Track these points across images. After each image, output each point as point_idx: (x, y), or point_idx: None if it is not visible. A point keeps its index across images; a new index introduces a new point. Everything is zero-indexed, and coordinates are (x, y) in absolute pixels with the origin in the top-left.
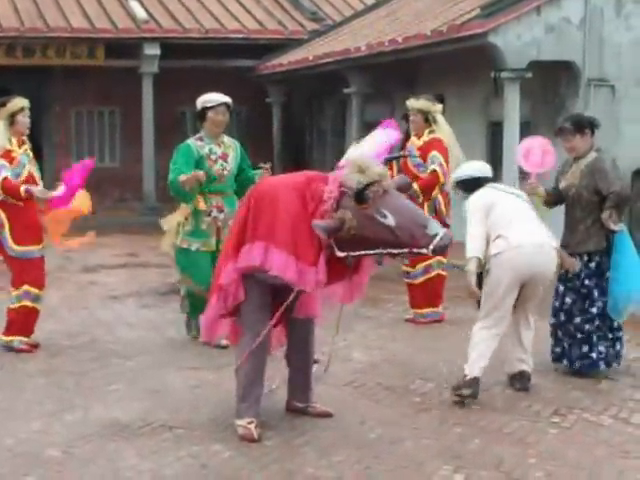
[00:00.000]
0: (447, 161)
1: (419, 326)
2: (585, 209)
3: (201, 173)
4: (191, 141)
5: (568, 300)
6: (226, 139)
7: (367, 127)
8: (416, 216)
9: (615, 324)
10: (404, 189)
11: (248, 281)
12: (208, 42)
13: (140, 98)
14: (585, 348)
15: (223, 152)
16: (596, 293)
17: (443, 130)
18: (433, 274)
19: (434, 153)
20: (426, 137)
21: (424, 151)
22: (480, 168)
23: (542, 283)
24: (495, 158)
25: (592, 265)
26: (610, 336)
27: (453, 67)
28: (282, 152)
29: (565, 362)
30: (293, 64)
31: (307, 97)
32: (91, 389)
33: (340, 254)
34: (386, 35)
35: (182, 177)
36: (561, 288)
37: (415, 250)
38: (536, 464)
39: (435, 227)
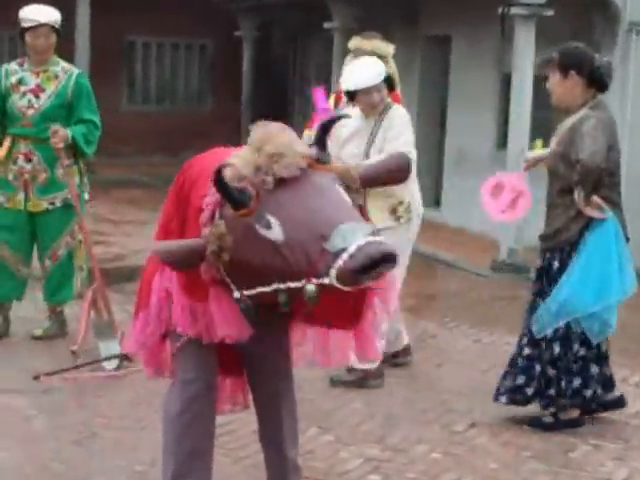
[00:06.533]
0: None
1: None
2: (564, 187)
3: None
4: (8, 65)
5: None
6: (56, 68)
7: None
8: (316, 219)
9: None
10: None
11: None
12: None
13: (73, 21)
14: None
15: (37, 84)
16: None
17: (397, 78)
18: None
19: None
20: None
21: None
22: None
23: None
24: (508, 119)
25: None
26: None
27: (464, 0)
28: (253, 97)
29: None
30: None
31: (290, 32)
32: None
33: (236, 294)
34: None
35: None
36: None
37: (314, 281)
38: None
39: (347, 236)
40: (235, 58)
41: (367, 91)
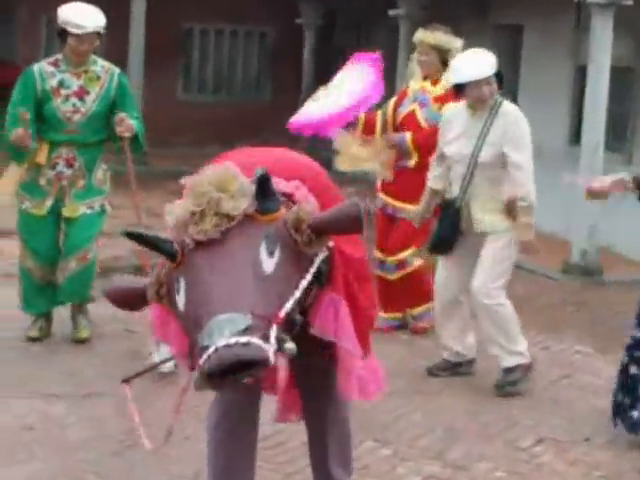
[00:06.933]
0: None
1: None
2: None
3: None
4: (40, 65)
5: None
6: (96, 67)
7: None
8: (203, 301)
9: None
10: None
11: None
12: None
13: (129, 7)
14: None
15: (81, 86)
16: None
17: None
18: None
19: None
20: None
21: (444, 102)
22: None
23: None
24: (582, 113)
25: None
26: None
27: None
28: (314, 87)
29: None
30: None
31: (354, 21)
32: None
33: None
34: None
35: (12, 134)
36: None
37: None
38: None
39: (213, 333)
40: (296, 46)
41: (477, 84)
